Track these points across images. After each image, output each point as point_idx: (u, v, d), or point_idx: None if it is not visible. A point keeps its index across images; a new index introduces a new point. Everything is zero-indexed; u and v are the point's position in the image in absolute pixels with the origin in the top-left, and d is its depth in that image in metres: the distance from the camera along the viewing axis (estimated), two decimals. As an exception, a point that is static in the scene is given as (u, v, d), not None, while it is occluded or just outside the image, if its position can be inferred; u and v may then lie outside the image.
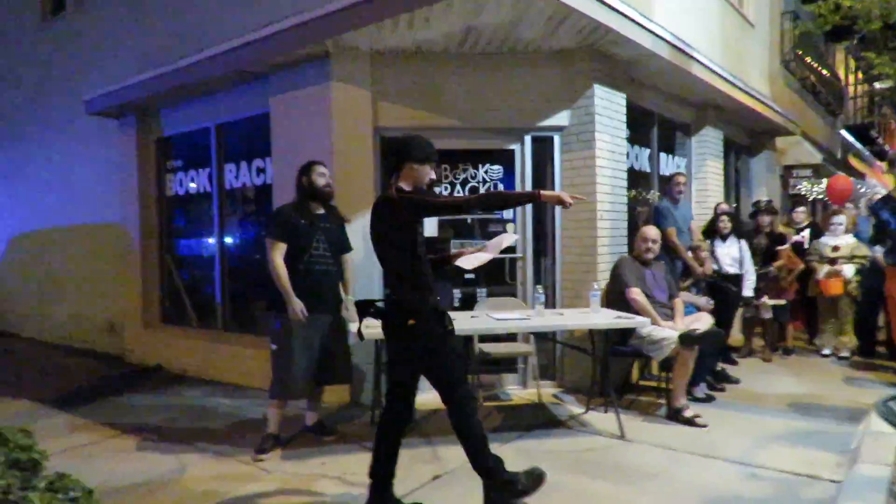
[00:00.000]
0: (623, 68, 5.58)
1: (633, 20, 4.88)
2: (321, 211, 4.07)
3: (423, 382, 5.28)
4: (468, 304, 5.24)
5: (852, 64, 17.87)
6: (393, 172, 3.01)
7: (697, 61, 6.05)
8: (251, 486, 3.43)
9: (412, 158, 2.95)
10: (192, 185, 6.68)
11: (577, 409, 4.74)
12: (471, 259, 3.18)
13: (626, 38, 4.88)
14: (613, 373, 4.82)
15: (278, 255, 3.87)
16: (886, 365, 6.26)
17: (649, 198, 6.75)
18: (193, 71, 5.59)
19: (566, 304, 5.23)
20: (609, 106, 5.33)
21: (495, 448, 3.00)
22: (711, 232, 6.31)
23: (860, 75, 18.71)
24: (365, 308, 3.07)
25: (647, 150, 6.63)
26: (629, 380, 5.47)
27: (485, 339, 4.94)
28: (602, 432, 4.20)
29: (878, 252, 5.78)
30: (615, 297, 4.83)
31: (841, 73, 16.44)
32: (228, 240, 6.40)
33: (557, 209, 5.35)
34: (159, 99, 6.42)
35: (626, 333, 4.56)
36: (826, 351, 6.77)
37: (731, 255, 6.09)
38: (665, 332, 4.42)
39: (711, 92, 6.77)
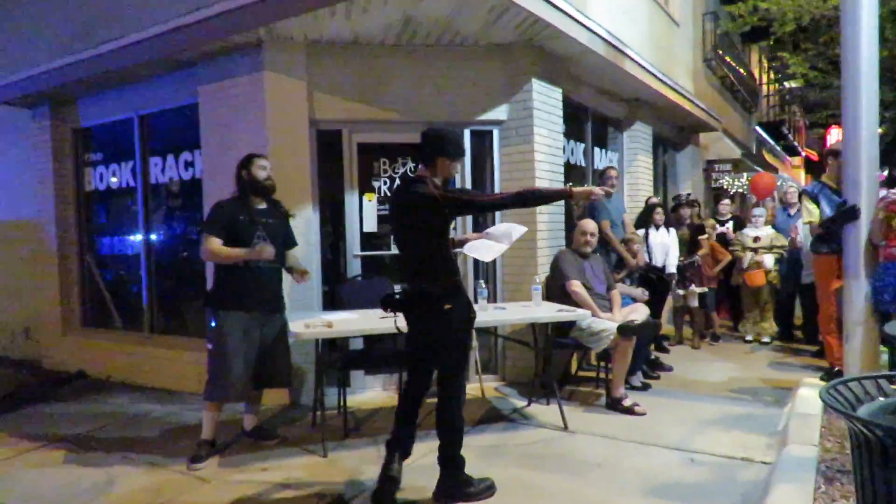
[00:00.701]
0: (560, 64, 5.64)
1: (570, 16, 4.94)
2: (263, 206, 3.91)
3: (363, 382, 5.21)
4: (391, 304, 5.17)
5: (765, 64, 18.87)
6: (425, 164, 3.05)
7: (630, 58, 6.20)
8: (187, 497, 3.26)
9: (446, 153, 3.02)
10: (114, 179, 6.30)
11: (519, 402, 4.78)
12: (485, 250, 3.22)
13: (563, 33, 4.93)
14: (554, 365, 4.89)
15: (212, 246, 3.69)
16: (803, 349, 6.64)
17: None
18: (115, 57, 5.25)
19: (507, 298, 5.26)
20: (546, 101, 5.38)
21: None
22: (643, 223, 6.50)
23: (773, 75, 19.79)
24: (389, 301, 3.14)
25: (582, 145, 6.75)
26: (568, 371, 5.57)
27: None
28: (546, 424, 4.24)
29: (801, 239, 6.07)
30: (555, 290, 4.89)
31: (756, 73, 17.33)
32: (155, 237, 6.08)
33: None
34: (77, 87, 6.01)
35: (567, 326, 4.62)
36: (749, 337, 7.13)
37: (664, 244, 6.29)
38: (604, 323, 4.51)
39: (642, 88, 6.95)
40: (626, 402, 4.49)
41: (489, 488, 3.13)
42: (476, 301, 4.57)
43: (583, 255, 4.97)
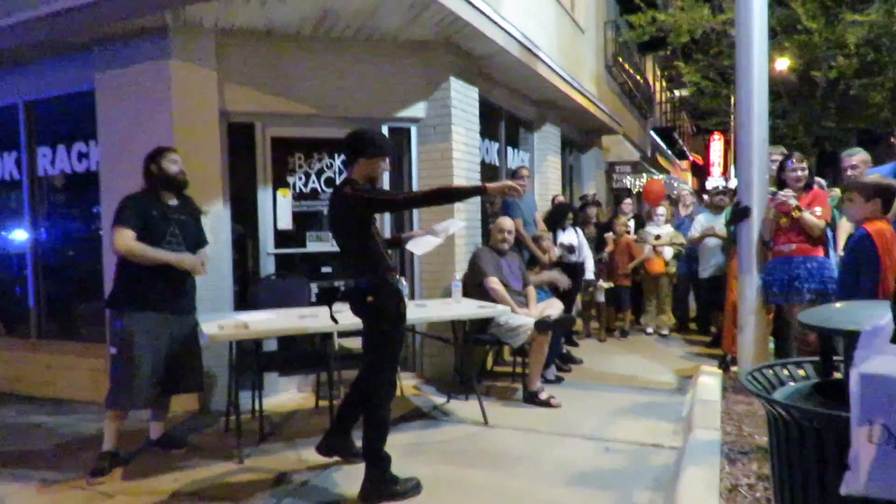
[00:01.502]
0: (476, 63, 5.71)
1: (488, 16, 5.01)
2: (174, 202, 3.68)
3: (277, 384, 5.04)
4: (327, 298, 5.06)
5: (659, 73, 20.03)
6: (349, 165, 3.17)
7: (542, 61, 6.38)
8: (91, 514, 3.03)
9: (364, 153, 3.10)
10: (-6, 170, 5.73)
11: (439, 399, 4.79)
12: (421, 243, 3.43)
13: (481, 33, 4.99)
14: (472, 361, 4.94)
15: (128, 240, 3.43)
16: (699, 340, 7.10)
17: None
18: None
19: (426, 295, 5.27)
20: (464, 99, 5.43)
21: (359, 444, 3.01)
22: (553, 223, 6.70)
23: (665, 83, 21.03)
24: (331, 295, 3.35)
25: (497, 144, 6.88)
26: (484, 367, 5.65)
27: (344, 333, 4.80)
28: (466, 420, 4.28)
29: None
30: (473, 287, 4.94)
31: (651, 81, 18.35)
32: (43, 234, 5.58)
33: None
34: (-53, 68, 5.41)
35: (485, 322, 4.68)
36: (650, 329, 7.54)
37: (572, 243, 6.52)
38: (521, 319, 4.61)
39: (552, 91, 7.18)
40: (543, 396, 4.62)
41: (415, 487, 3.12)
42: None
43: (500, 253, 5.06)
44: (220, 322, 3.68)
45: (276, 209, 5.03)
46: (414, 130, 5.38)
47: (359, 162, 3.11)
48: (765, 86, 4.64)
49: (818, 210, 4.36)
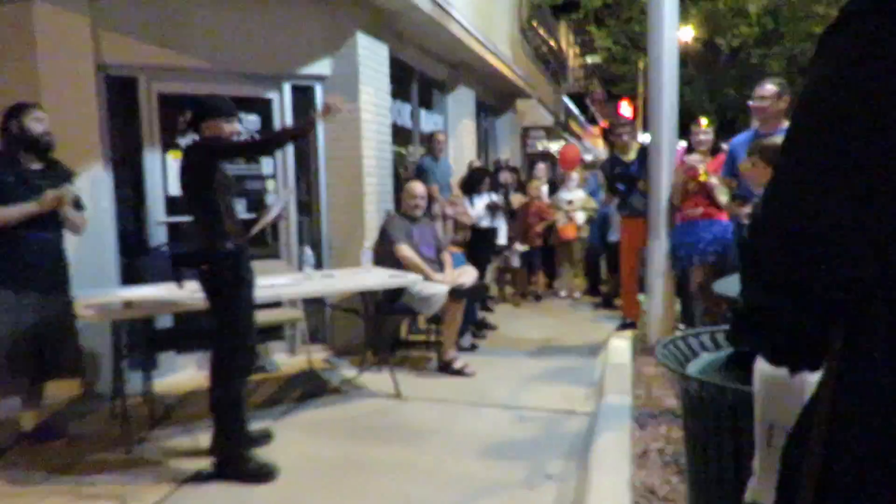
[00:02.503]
0: (386, 19, 5.39)
1: (396, -33, 4.70)
2: (38, 166, 3.23)
3: (174, 362, 4.68)
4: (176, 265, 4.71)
5: (572, 38, 20.19)
6: (189, 132, 3.07)
7: (455, 20, 6.13)
8: (-55, 522, 2.65)
9: (207, 116, 2.99)
10: None
11: (350, 373, 4.60)
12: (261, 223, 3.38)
13: (389, -15, 4.69)
14: (384, 331, 4.77)
15: None
16: (610, 303, 7.22)
17: (412, 154, 6.78)
18: None
19: (334, 264, 5.01)
20: (373, 57, 5.13)
21: (263, 424, 2.87)
22: (469, 188, 6.57)
23: (578, 49, 21.25)
24: (182, 260, 3.23)
25: (409, 106, 6.62)
26: (398, 336, 5.50)
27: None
28: (378, 393, 4.12)
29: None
30: (384, 255, 4.74)
31: (563, 46, 18.46)
32: None
33: (322, 165, 5.05)
34: None
35: (397, 291, 4.51)
36: (563, 293, 7.63)
37: (497, 203, 6.43)
38: (435, 287, 4.47)
39: (467, 52, 6.96)
40: (457, 365, 4.52)
41: (267, 475, 2.91)
42: (300, 269, 4.28)
43: (412, 219, 4.86)
44: (101, 299, 3.32)
45: (167, 173, 4.59)
46: (319, 89, 5.03)
47: (204, 126, 3.00)
48: (675, 52, 4.63)
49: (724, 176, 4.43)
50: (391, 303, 4.56)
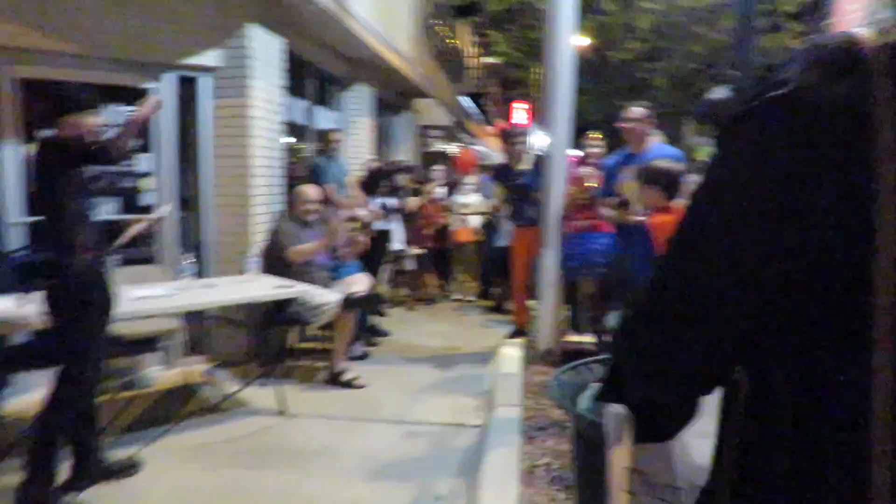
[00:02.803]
0: (281, 11, 5.12)
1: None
2: None
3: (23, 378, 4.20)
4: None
5: (471, 39, 20.40)
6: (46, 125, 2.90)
7: (353, 15, 5.95)
8: None
9: (68, 111, 2.71)
10: None
11: (232, 387, 4.32)
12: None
13: (283, -24, 4.45)
14: (271, 341, 4.55)
15: None
16: (504, 308, 7.32)
17: (306, 152, 6.53)
18: None
19: (218, 272, 4.70)
20: (266, 50, 4.86)
21: (131, 451, 2.72)
22: (368, 188, 6.42)
23: (477, 49, 21.51)
24: (28, 271, 2.95)
25: (304, 102, 6.36)
26: (286, 345, 5.26)
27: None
28: (262, 410, 3.90)
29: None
30: (273, 262, 4.51)
31: (463, 46, 18.61)
32: None
33: (207, 163, 4.73)
34: None
35: (285, 300, 4.29)
36: (457, 297, 7.67)
37: (393, 204, 6.32)
38: (326, 296, 4.30)
39: (366, 49, 6.79)
40: (348, 376, 4.39)
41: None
42: (178, 277, 3.98)
43: (305, 224, 4.66)
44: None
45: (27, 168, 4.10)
46: (205, 81, 4.70)
47: (63, 121, 2.71)
48: (571, 62, 4.71)
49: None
50: (279, 312, 4.34)
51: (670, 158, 3.48)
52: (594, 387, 1.86)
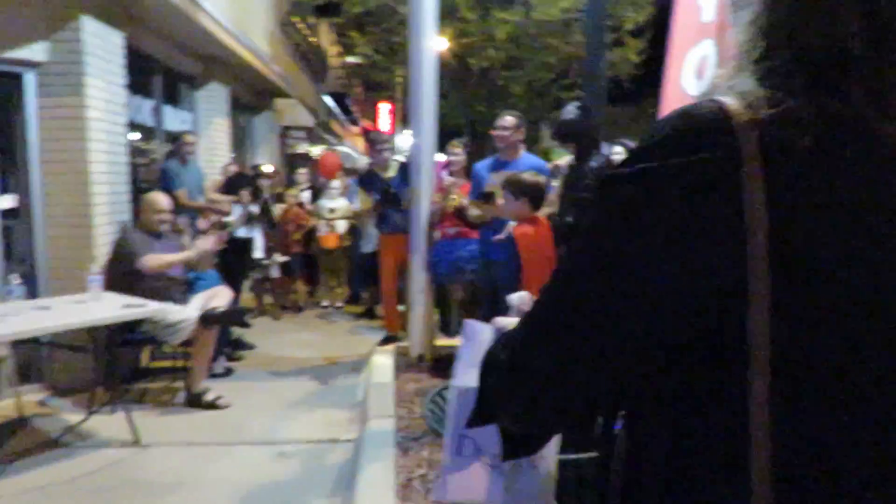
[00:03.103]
0: (121, 3, 4.69)
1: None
2: None
3: None
4: None
5: (333, 37, 20.06)
6: None
7: (206, 11, 5.59)
8: None
9: None
10: None
11: (75, 417, 3.87)
12: None
13: (122, -35, 4.08)
14: (121, 363, 4.14)
15: None
16: (374, 313, 7.26)
17: (154, 156, 6.05)
18: None
19: (54, 291, 4.20)
20: (103, 45, 4.42)
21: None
22: (226, 194, 6.08)
23: (339, 49, 21.21)
24: None
25: (151, 102, 5.88)
26: (139, 365, 4.83)
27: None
28: (112, 442, 3.54)
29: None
30: (120, 277, 4.10)
31: (324, 45, 18.24)
32: None
33: (36, 170, 4.22)
34: None
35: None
36: (325, 303, 7.49)
37: (253, 211, 6.01)
38: (183, 313, 4.00)
39: (219, 46, 6.42)
40: (209, 397, 4.11)
41: None
42: (4, 301, 3.51)
43: (156, 235, 4.30)
44: None
45: None
46: (30, 78, 4.19)
47: None
48: (434, 67, 4.73)
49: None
50: (129, 332, 3.97)
51: (537, 171, 3.65)
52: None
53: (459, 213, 4.45)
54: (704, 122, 0.56)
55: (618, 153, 5.90)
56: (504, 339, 0.70)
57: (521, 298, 1.08)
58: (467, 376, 1.08)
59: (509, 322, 1.00)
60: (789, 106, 0.54)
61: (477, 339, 1.05)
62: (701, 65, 3.53)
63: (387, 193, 5.09)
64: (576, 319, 0.61)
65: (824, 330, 0.53)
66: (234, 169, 6.56)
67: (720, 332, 0.55)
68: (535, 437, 0.86)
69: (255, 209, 6.06)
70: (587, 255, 0.62)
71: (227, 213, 5.55)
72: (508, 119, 4.16)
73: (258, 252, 6.22)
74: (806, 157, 0.53)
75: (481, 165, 4.53)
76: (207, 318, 4.02)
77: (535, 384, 0.65)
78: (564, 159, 4.77)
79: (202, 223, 5.41)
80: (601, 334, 0.59)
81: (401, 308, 5.43)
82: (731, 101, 0.56)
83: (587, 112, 3.63)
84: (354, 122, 26.45)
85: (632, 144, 6.90)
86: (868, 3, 0.54)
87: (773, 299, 0.52)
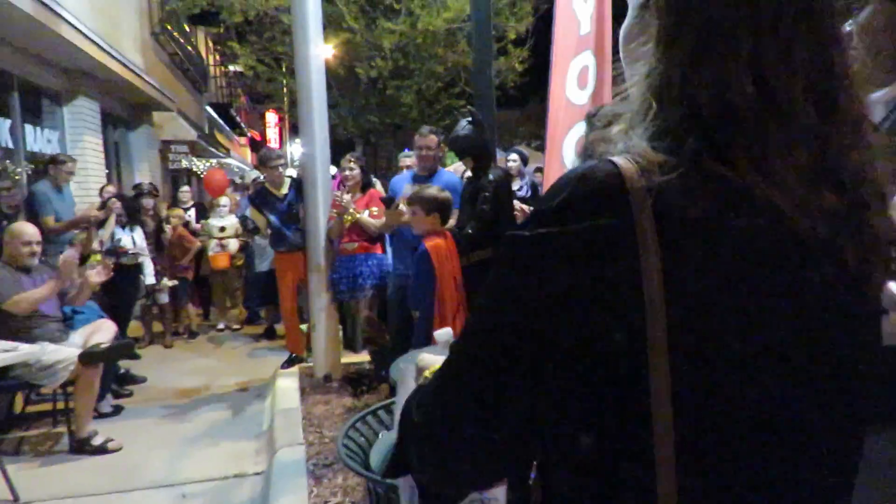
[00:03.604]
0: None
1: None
2: None
3: None
4: None
5: (212, 46, 19.21)
6: None
7: (66, 21, 5.17)
8: None
9: None
10: None
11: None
12: None
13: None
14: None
15: None
16: (274, 333, 7.00)
17: (17, 178, 5.51)
18: None
19: None
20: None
21: None
22: (103, 220, 5.62)
23: (219, 57, 20.35)
24: None
25: (8, 121, 5.36)
26: (12, 411, 4.38)
27: None
28: (-17, 503, 3.19)
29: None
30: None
31: (203, 54, 17.43)
32: None
33: None
34: None
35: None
36: (221, 325, 7.14)
37: (136, 243, 5.59)
38: (61, 353, 3.66)
39: (84, 57, 5.96)
40: (98, 440, 3.78)
41: None
42: None
43: (25, 270, 3.90)
44: None
45: None
46: None
47: None
48: (322, 78, 4.65)
49: (375, 210, 4.64)
50: (-2, 378, 3.58)
51: (453, 187, 3.75)
52: (386, 437, 1.83)
53: (358, 227, 4.41)
54: (602, 188, 0.57)
55: (513, 160, 6.09)
56: (418, 398, 0.69)
57: (447, 334, 1.08)
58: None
59: (435, 361, 0.99)
60: (681, 173, 0.56)
61: (406, 384, 1.03)
62: (582, 74, 3.72)
63: (280, 211, 4.97)
64: (483, 378, 0.61)
65: (719, 391, 0.57)
66: (110, 190, 6.10)
67: (621, 383, 0.57)
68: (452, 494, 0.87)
69: (138, 234, 5.65)
70: (490, 314, 0.63)
71: (97, 219, 5.12)
72: (432, 138, 4.11)
73: (149, 278, 5.82)
74: (695, 224, 0.56)
75: (398, 180, 4.48)
76: (89, 356, 3.71)
77: (447, 448, 0.65)
78: (455, 166, 4.84)
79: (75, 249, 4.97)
80: (508, 391, 0.60)
81: (303, 327, 5.27)
82: (626, 165, 0.58)
83: (480, 127, 3.71)
84: (242, 133, 25.47)
85: (526, 153, 7.14)
86: (758, 65, 0.57)
87: (671, 364, 0.55)
